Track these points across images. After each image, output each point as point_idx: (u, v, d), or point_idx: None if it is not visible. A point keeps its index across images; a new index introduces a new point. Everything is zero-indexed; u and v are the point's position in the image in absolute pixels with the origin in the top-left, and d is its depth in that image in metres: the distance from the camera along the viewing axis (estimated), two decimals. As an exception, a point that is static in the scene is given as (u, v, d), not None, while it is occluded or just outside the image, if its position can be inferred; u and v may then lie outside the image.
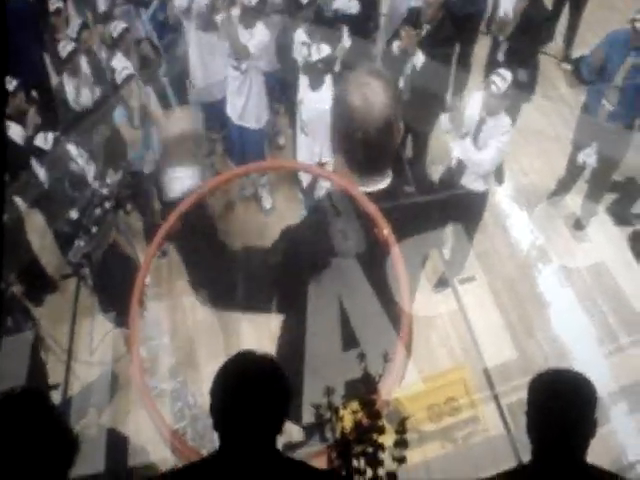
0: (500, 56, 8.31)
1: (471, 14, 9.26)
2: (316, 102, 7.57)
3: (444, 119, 7.47)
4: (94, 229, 6.26)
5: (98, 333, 7.12)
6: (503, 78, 6.88)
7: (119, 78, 7.53)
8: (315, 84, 7.69)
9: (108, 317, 6.87)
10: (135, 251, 7.15)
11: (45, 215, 7.76)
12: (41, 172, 7.18)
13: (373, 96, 3.14)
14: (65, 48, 7.90)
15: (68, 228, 6.40)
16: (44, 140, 6.94)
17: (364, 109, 3.13)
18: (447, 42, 8.01)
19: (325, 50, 7.55)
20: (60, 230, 6.87)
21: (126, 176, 6.74)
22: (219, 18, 8.05)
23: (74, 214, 6.38)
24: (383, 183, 3.33)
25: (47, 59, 9.19)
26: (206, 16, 8.28)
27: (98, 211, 6.32)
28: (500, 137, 6.97)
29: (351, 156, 3.28)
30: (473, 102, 7.22)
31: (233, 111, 8.36)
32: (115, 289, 6.38)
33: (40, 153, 7.02)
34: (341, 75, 2.91)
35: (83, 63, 8.16)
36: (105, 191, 6.45)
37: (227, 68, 8.19)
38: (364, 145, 3.18)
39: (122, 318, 6.51)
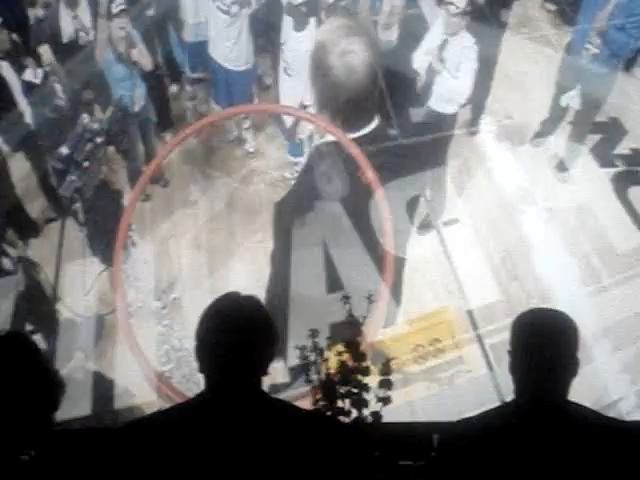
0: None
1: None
2: (300, 43, 7.50)
3: (416, 55, 7.41)
4: (85, 163, 6.25)
5: (90, 273, 7.11)
6: None
7: (114, 11, 7.42)
8: (299, 26, 7.62)
9: (98, 257, 6.86)
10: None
11: (30, 157, 7.71)
12: (27, 111, 7.12)
13: (357, 61, 3.13)
14: None
15: (59, 164, 6.38)
16: (34, 74, 6.88)
17: (349, 78, 3.13)
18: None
19: None
20: (52, 166, 6.82)
21: (116, 112, 6.70)
22: None
23: (65, 150, 6.35)
24: (368, 128, 3.32)
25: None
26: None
27: (89, 146, 6.32)
28: (469, 58, 7.00)
29: (335, 113, 3.27)
30: (435, 29, 7.21)
31: (219, 53, 8.25)
32: (107, 227, 6.42)
33: (29, 88, 6.94)
34: (320, 42, 2.84)
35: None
36: (96, 126, 6.42)
37: (212, 11, 8.06)
38: (348, 104, 3.17)
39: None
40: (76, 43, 7.92)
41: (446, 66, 7.10)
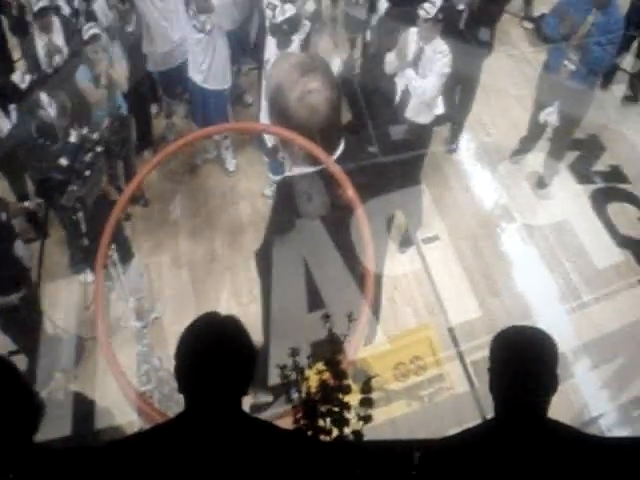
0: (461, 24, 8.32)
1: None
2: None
3: (388, 57, 7.45)
4: (87, 172, 6.26)
5: (74, 290, 7.10)
6: (432, 3, 7.02)
7: (86, 36, 7.42)
8: (282, 45, 7.64)
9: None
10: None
11: (8, 176, 7.70)
12: (6, 125, 7.10)
13: (318, 100, 3.14)
14: (38, 3, 7.73)
15: (59, 174, 6.35)
16: (21, 78, 6.88)
17: (312, 118, 3.14)
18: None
19: (289, 10, 7.50)
20: (50, 178, 6.79)
21: (114, 122, 6.70)
22: None
23: (64, 161, 6.34)
24: (336, 154, 3.33)
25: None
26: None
27: (90, 155, 6.32)
28: (439, 62, 7.07)
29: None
30: (410, 36, 7.26)
31: (196, 73, 8.27)
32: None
33: (15, 93, 6.93)
34: (277, 85, 2.82)
35: (55, 19, 8.00)
36: (95, 136, 6.43)
37: (188, 30, 8.07)
38: (314, 138, 3.18)
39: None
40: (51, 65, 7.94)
41: (417, 68, 7.17)
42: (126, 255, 7.13)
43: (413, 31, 7.26)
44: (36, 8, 7.77)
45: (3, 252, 6.36)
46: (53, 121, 7.03)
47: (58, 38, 7.98)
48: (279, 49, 7.66)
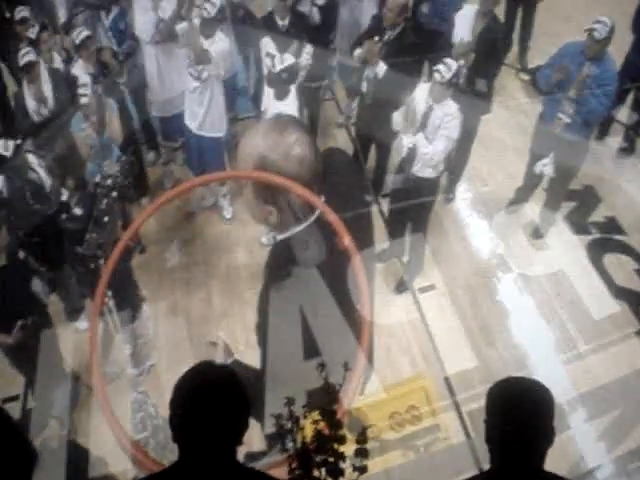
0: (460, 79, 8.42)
1: (440, 30, 9.22)
2: (280, 111, 7.58)
3: (396, 116, 7.49)
4: (105, 219, 6.28)
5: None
6: (448, 67, 7.01)
7: (78, 92, 7.47)
8: (280, 95, 7.70)
9: (120, 315, 6.81)
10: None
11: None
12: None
13: (302, 148, 3.16)
14: (24, 57, 7.74)
15: (74, 225, 6.38)
16: (4, 147, 6.88)
17: (302, 167, 3.16)
18: (410, 50, 8.01)
19: (288, 60, 7.56)
20: (63, 228, 6.80)
21: (124, 166, 6.72)
22: (179, 28, 8.03)
23: (78, 210, 6.37)
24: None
25: (4, 68, 9.12)
26: (169, 26, 8.27)
27: (106, 201, 6.35)
28: (447, 125, 7.07)
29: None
30: (420, 93, 7.28)
31: (192, 121, 8.34)
32: (122, 284, 6.56)
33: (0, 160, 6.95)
34: (260, 156, 2.87)
35: (44, 71, 8.05)
36: (109, 182, 6.46)
37: (186, 79, 8.15)
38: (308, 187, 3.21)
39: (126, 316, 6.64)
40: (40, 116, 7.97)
41: (425, 129, 7.17)
42: (137, 299, 7.15)
43: (423, 87, 7.30)
44: (23, 61, 7.76)
45: (20, 289, 6.39)
46: (43, 182, 7.08)
47: (47, 89, 8.02)
48: (277, 99, 7.72)
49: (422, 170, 7.34)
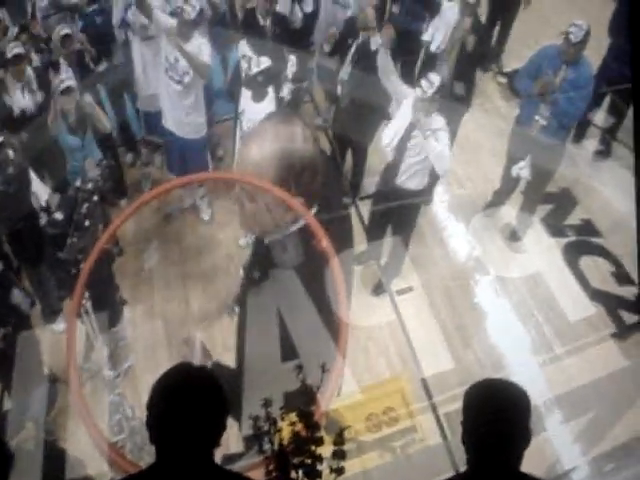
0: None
1: (414, 31, 9.24)
2: (257, 114, 7.55)
3: (387, 133, 7.47)
4: (86, 223, 6.27)
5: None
6: (430, 82, 6.95)
7: (60, 88, 7.44)
8: (257, 97, 7.70)
9: (99, 317, 6.79)
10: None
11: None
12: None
13: (313, 132, 3.19)
14: (13, 49, 7.74)
15: (54, 229, 6.36)
16: None
17: (317, 149, 3.18)
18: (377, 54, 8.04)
19: (264, 62, 7.56)
20: (41, 235, 6.79)
21: (105, 170, 6.70)
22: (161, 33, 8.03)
23: (59, 215, 6.35)
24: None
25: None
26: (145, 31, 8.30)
27: (87, 205, 6.33)
28: (442, 140, 7.05)
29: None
30: (405, 108, 7.28)
31: (174, 123, 8.32)
32: (104, 287, 6.54)
33: None
34: (282, 149, 2.86)
35: (28, 67, 8.03)
36: (90, 186, 6.44)
37: (164, 81, 8.13)
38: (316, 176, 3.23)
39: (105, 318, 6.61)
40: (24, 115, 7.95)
41: (411, 146, 7.15)
42: (117, 302, 7.14)
43: (407, 103, 7.27)
44: (11, 54, 7.74)
45: (0, 299, 6.33)
46: (24, 181, 7.07)
47: (32, 86, 7.99)
48: (254, 101, 7.71)
49: (407, 182, 7.33)
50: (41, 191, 7.23)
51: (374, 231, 7.97)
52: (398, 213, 7.57)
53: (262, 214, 3.30)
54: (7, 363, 6.17)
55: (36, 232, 7.04)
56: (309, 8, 9.21)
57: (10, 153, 7.07)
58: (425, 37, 8.81)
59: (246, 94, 7.82)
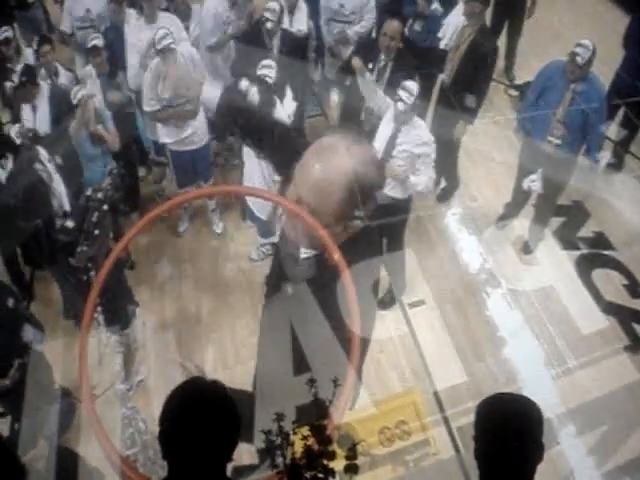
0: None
1: (434, 47, 9.24)
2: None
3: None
4: (96, 232, 6.28)
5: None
6: (409, 92, 6.88)
7: (75, 98, 7.49)
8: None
9: (112, 329, 6.79)
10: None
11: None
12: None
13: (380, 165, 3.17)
14: (25, 73, 7.81)
15: (65, 237, 6.38)
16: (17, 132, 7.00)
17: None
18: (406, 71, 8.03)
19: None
20: (54, 240, 6.80)
21: (115, 179, 6.73)
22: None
23: (70, 223, 6.37)
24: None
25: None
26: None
27: (97, 214, 6.35)
28: (427, 158, 7.04)
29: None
30: (387, 117, 7.26)
31: (179, 140, 8.40)
32: (115, 297, 6.53)
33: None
34: (355, 171, 2.81)
35: (44, 85, 8.10)
36: (100, 195, 6.46)
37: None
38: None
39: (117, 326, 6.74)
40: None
41: (398, 155, 7.11)
42: (129, 308, 7.15)
43: (389, 114, 7.24)
44: (24, 78, 7.81)
45: (11, 339, 6.23)
46: (52, 177, 7.11)
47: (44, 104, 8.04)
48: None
49: (390, 190, 7.30)
50: (64, 198, 7.26)
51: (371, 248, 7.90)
52: (388, 228, 7.49)
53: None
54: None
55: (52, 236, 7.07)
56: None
57: (40, 151, 7.14)
58: (439, 34, 8.79)
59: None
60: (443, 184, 9.11)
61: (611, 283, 8.12)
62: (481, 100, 8.49)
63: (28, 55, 8.76)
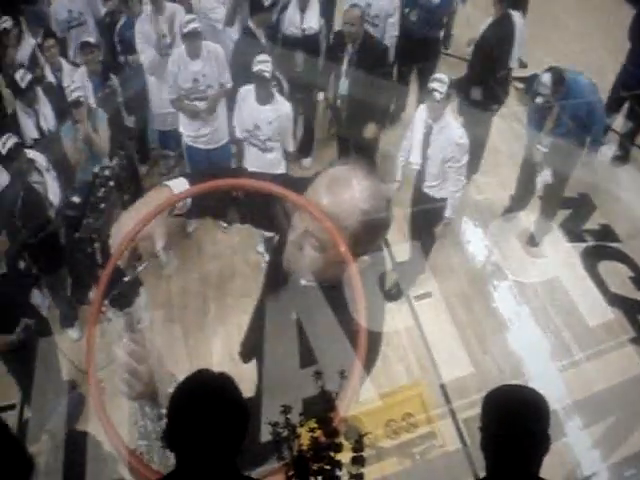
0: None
1: (430, 37, 9.27)
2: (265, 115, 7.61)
3: (405, 146, 7.42)
4: (102, 205, 6.32)
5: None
6: (441, 82, 6.93)
7: (69, 98, 7.48)
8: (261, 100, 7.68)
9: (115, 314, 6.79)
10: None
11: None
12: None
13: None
14: (24, 78, 7.69)
15: (72, 212, 6.43)
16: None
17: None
18: (378, 59, 8.22)
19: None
20: (62, 215, 6.84)
21: (122, 159, 6.77)
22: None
23: (77, 198, 6.43)
24: None
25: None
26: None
27: (103, 190, 6.38)
28: (461, 158, 7.07)
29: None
30: (418, 114, 7.26)
31: (197, 138, 8.38)
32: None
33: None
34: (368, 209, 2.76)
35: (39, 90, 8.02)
36: (107, 172, 6.49)
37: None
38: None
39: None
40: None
41: (430, 155, 7.13)
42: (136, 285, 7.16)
43: (421, 110, 7.25)
44: (24, 83, 7.68)
45: (21, 295, 6.45)
46: (47, 188, 7.11)
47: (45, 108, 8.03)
48: (259, 104, 7.69)
49: (430, 190, 7.32)
50: (55, 194, 7.25)
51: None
52: (422, 218, 7.52)
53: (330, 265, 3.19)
54: (25, 365, 6.18)
55: (53, 240, 7.07)
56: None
57: (37, 158, 7.13)
58: None
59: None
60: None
61: (617, 275, 8.12)
62: (488, 93, 8.49)
63: (28, 45, 8.78)
